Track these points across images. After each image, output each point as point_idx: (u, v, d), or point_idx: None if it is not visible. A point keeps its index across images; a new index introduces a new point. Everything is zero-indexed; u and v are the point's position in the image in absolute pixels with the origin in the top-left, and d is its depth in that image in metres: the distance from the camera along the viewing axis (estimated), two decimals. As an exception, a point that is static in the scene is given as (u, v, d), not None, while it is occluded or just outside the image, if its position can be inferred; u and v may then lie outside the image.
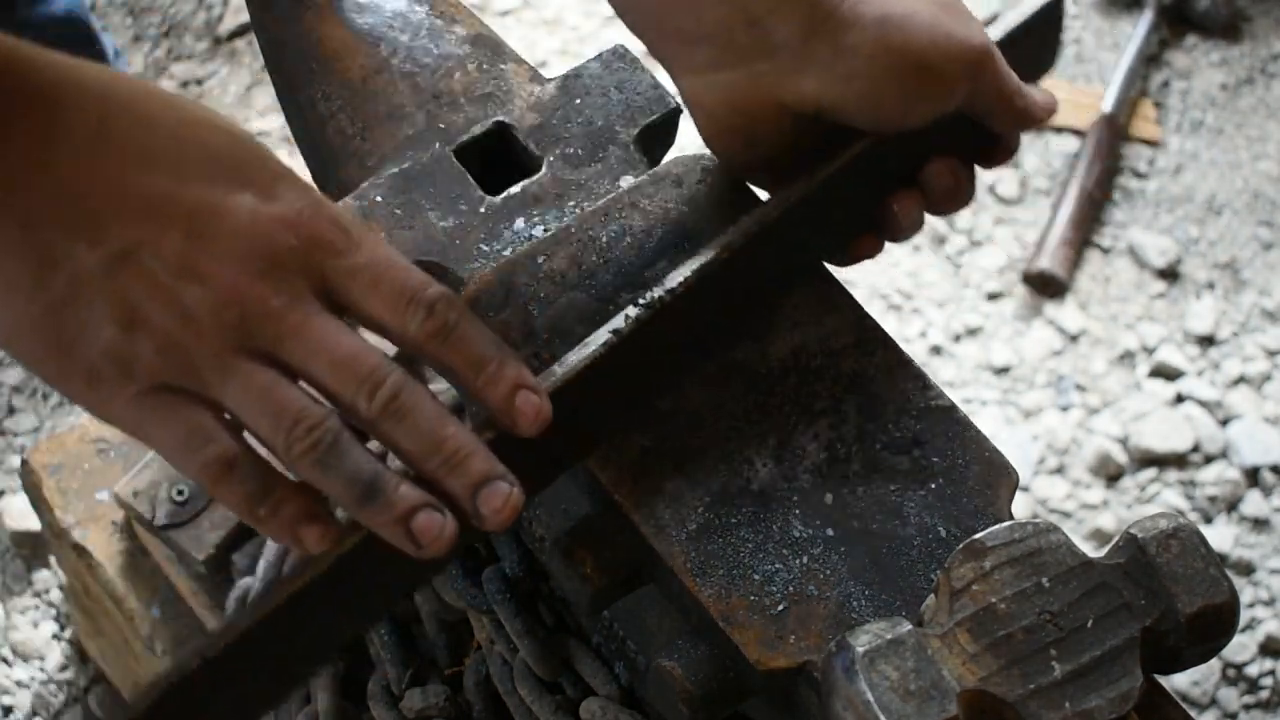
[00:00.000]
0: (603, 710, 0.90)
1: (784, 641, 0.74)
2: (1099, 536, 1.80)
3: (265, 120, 2.11)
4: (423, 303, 0.68)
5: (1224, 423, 1.90)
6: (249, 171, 0.67)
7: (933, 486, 0.79)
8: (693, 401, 0.80)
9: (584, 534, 0.78)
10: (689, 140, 0.83)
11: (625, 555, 0.78)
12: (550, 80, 0.93)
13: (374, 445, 0.69)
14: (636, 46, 0.88)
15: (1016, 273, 2.03)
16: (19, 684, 1.64)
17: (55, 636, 1.67)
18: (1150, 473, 1.86)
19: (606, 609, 0.82)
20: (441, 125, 0.91)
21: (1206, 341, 1.98)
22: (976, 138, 0.82)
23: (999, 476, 0.80)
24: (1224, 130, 2.19)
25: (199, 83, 2.16)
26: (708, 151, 0.85)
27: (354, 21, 0.94)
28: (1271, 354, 1.97)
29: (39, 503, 1.37)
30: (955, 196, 0.83)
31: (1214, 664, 1.72)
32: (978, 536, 0.73)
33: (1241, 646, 1.74)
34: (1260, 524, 1.84)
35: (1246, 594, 1.78)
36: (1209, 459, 1.87)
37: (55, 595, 1.69)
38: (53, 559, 1.68)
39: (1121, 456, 1.87)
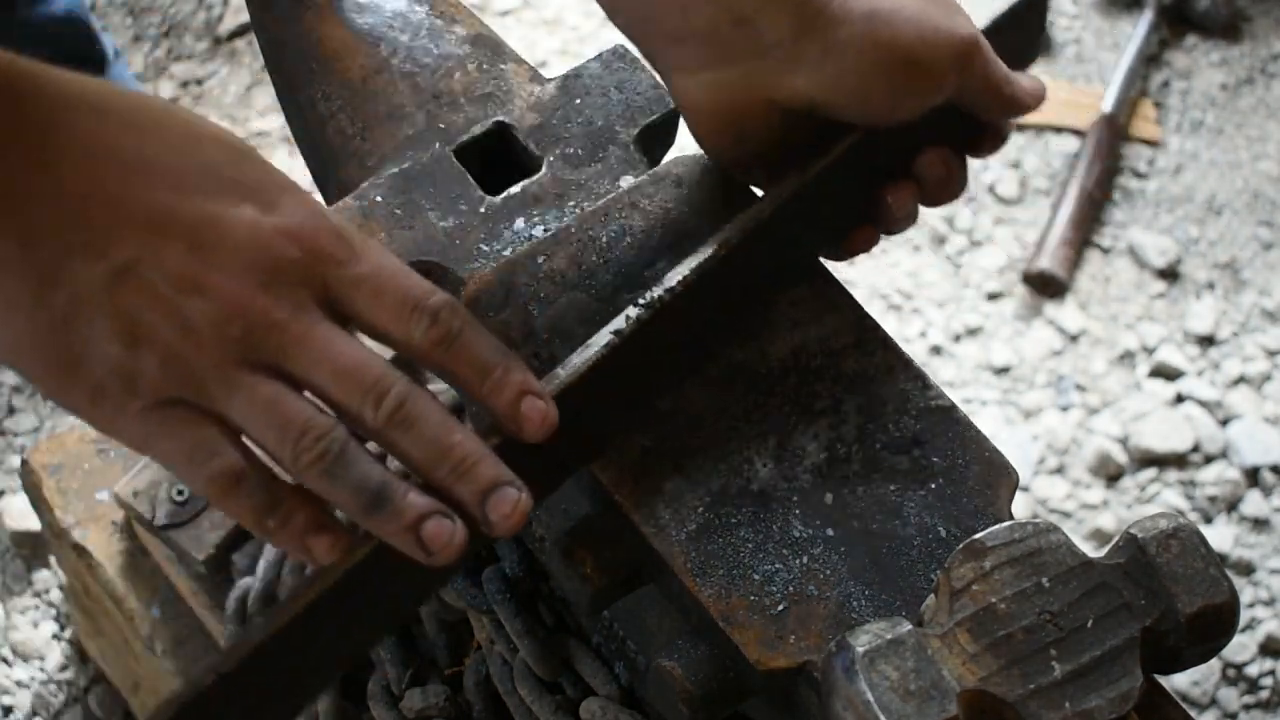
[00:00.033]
0: (603, 710, 0.90)
1: (784, 641, 0.74)
2: (1099, 536, 1.80)
3: (265, 120, 2.11)
4: (426, 311, 0.68)
5: (1224, 423, 1.90)
6: (249, 183, 0.67)
7: (933, 486, 0.79)
8: (693, 402, 0.80)
9: (584, 534, 0.78)
10: (689, 140, 0.83)
11: (625, 555, 0.78)
12: (550, 80, 0.93)
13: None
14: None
15: (1016, 273, 2.03)
16: (19, 684, 1.64)
17: (55, 636, 1.67)
18: (1150, 473, 1.86)
19: (606, 609, 0.82)
20: (441, 125, 0.91)
21: (1206, 341, 1.98)
22: (967, 127, 0.82)
23: (999, 476, 0.80)
24: (1224, 130, 2.19)
25: (199, 83, 2.16)
26: (707, 151, 0.85)
27: (354, 21, 0.94)
28: (1271, 354, 1.97)
29: (39, 503, 1.37)
30: (948, 186, 0.83)
31: (1214, 664, 1.72)
32: (978, 536, 0.73)
33: (1241, 646, 1.74)
34: (1260, 524, 1.84)
35: (1246, 594, 1.78)
36: (1209, 459, 1.87)
37: (55, 595, 1.69)
38: (53, 559, 1.68)
39: (1121, 456, 1.87)
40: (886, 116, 0.78)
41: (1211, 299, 2.02)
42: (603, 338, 0.74)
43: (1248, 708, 1.71)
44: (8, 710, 1.62)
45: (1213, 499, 1.84)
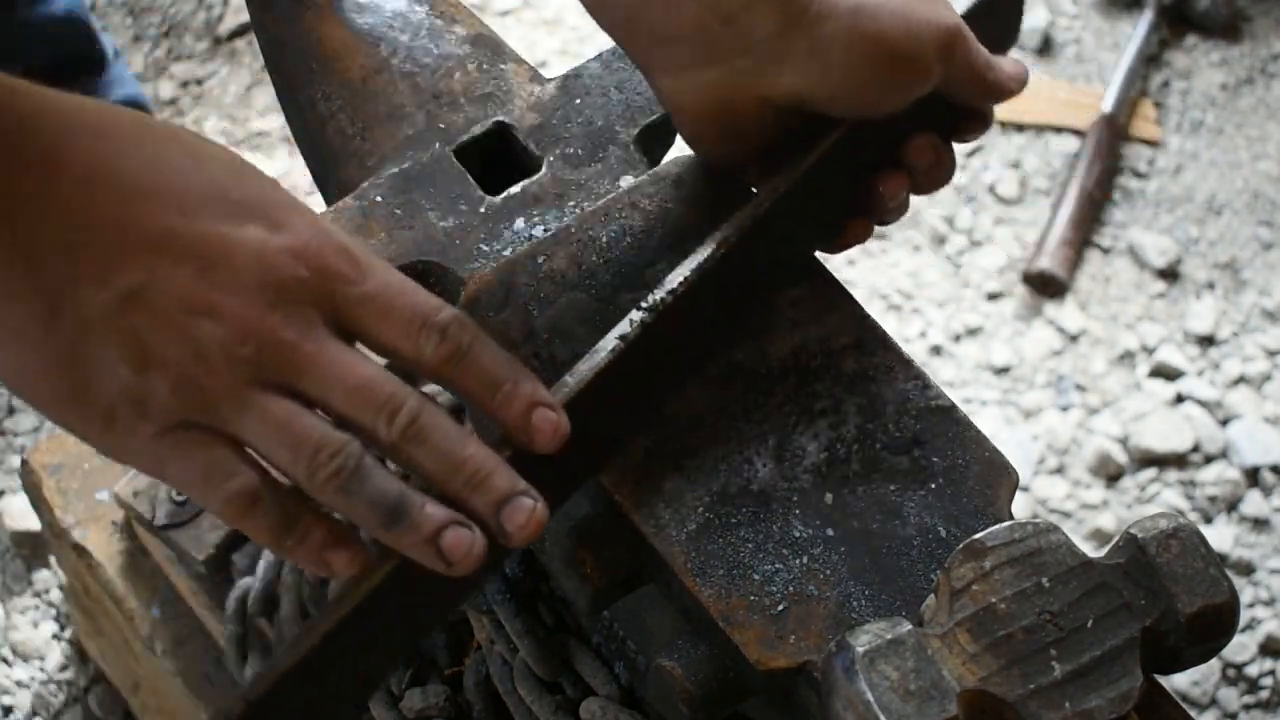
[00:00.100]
0: (603, 710, 0.90)
1: (784, 641, 0.74)
2: (1099, 536, 1.80)
3: (265, 120, 2.11)
4: (435, 327, 0.68)
5: (1224, 423, 1.90)
6: (254, 202, 0.67)
7: (933, 486, 0.79)
8: (693, 402, 0.80)
9: (584, 534, 0.78)
10: (689, 140, 0.83)
11: (625, 555, 0.78)
12: (550, 80, 0.93)
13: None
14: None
15: (1016, 273, 2.03)
16: (19, 684, 1.64)
17: (55, 636, 1.67)
18: (1150, 473, 1.86)
19: (606, 609, 0.82)
20: (441, 125, 0.91)
21: (1206, 341, 1.98)
22: (951, 113, 0.83)
23: (999, 476, 0.80)
24: (1224, 130, 2.19)
25: (199, 83, 2.16)
26: (707, 151, 0.85)
27: (354, 21, 0.94)
28: (1271, 354, 1.97)
29: (39, 503, 1.37)
30: (937, 172, 0.83)
31: (1214, 664, 1.72)
32: (978, 536, 0.73)
33: (1241, 646, 1.73)
34: (1260, 524, 1.83)
35: (1246, 594, 1.78)
36: (1209, 459, 1.87)
37: (55, 595, 1.69)
38: (53, 559, 1.68)
39: (1121, 456, 1.87)
40: (875, 109, 0.79)
41: (1211, 299, 2.02)
42: (609, 343, 0.74)
43: (1248, 708, 1.71)
44: (8, 710, 1.62)
45: (1213, 499, 1.84)
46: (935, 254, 2.05)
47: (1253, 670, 1.73)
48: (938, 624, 0.71)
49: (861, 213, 0.84)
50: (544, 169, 0.89)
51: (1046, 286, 2.01)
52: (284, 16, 0.95)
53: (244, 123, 2.11)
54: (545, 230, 0.86)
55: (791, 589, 0.75)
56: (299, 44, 0.94)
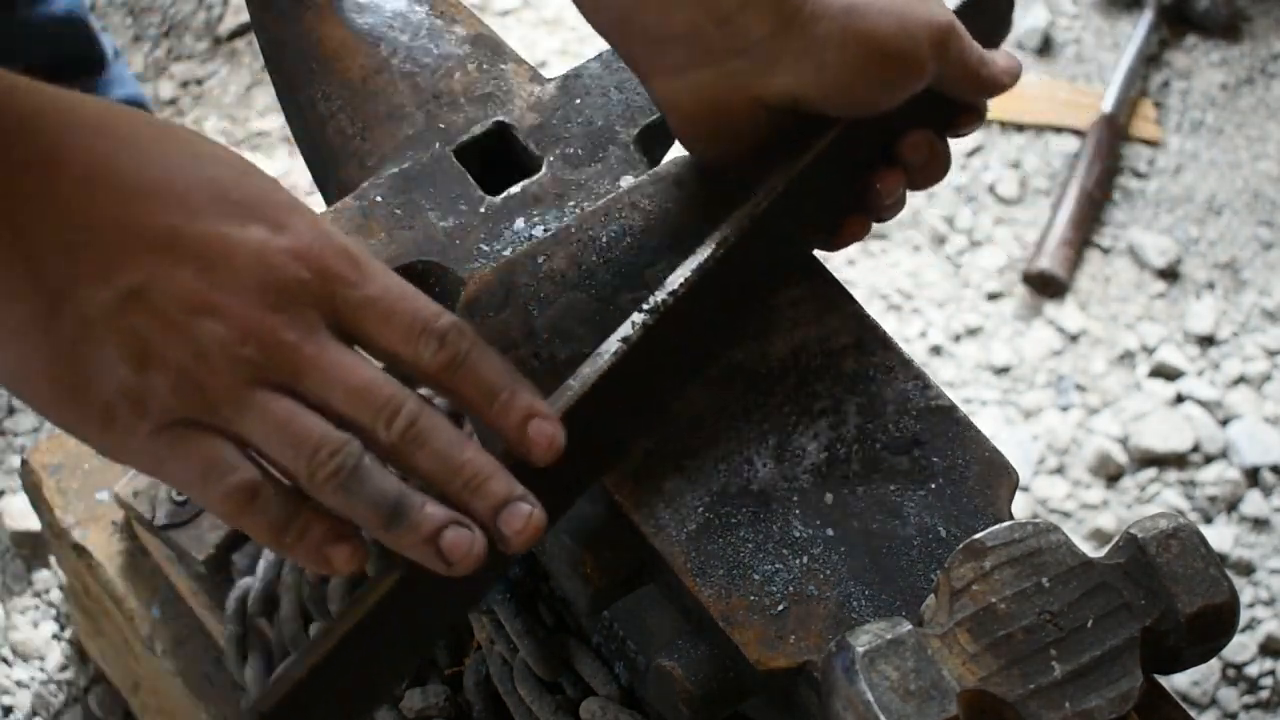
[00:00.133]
0: (603, 710, 0.90)
1: (784, 641, 0.74)
2: (1099, 536, 1.80)
3: (265, 120, 2.11)
4: (434, 333, 0.68)
5: (1224, 423, 1.90)
6: (257, 204, 0.67)
7: (933, 486, 0.79)
8: (693, 402, 0.80)
9: (584, 534, 0.78)
10: (689, 140, 0.83)
11: (625, 555, 0.78)
12: (550, 80, 0.93)
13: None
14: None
15: (1016, 273, 2.03)
16: (19, 684, 1.64)
17: (55, 636, 1.67)
18: (1150, 473, 1.86)
19: (606, 609, 0.82)
20: (441, 125, 0.91)
21: (1206, 341, 1.98)
22: (946, 107, 0.83)
23: (999, 476, 0.80)
24: (1224, 130, 2.19)
25: (199, 83, 2.16)
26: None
27: (354, 21, 0.94)
28: (1271, 354, 1.97)
29: (39, 503, 1.37)
30: (933, 167, 0.83)
31: (1214, 664, 1.72)
32: (978, 536, 0.73)
33: (1241, 646, 1.73)
34: (1260, 524, 1.83)
35: (1246, 594, 1.78)
36: (1209, 459, 1.87)
37: (55, 595, 1.69)
38: (53, 559, 1.68)
39: (1121, 456, 1.87)
40: (870, 107, 0.79)
41: (1211, 299, 2.02)
42: (611, 345, 0.74)
43: (1248, 708, 1.71)
44: (8, 710, 1.62)
45: (1213, 499, 1.84)
46: (935, 254, 2.05)
47: (1253, 670, 1.73)
48: (938, 624, 0.71)
49: (859, 210, 0.84)
50: (544, 169, 0.89)
51: (1046, 286, 2.01)
52: (284, 16, 0.95)
53: (244, 123, 2.11)
54: (545, 230, 0.86)
55: (791, 589, 0.75)
56: (299, 44, 0.94)
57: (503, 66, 0.94)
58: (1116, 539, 0.75)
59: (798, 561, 0.76)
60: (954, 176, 2.10)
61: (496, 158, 0.91)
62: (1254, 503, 1.85)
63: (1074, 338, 1.98)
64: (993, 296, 2.02)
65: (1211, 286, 2.04)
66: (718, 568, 0.75)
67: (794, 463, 0.79)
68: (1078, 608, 0.72)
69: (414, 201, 0.87)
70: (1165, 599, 0.72)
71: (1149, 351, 1.97)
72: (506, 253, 0.85)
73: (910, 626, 0.69)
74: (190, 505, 1.22)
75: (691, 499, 0.77)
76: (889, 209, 0.84)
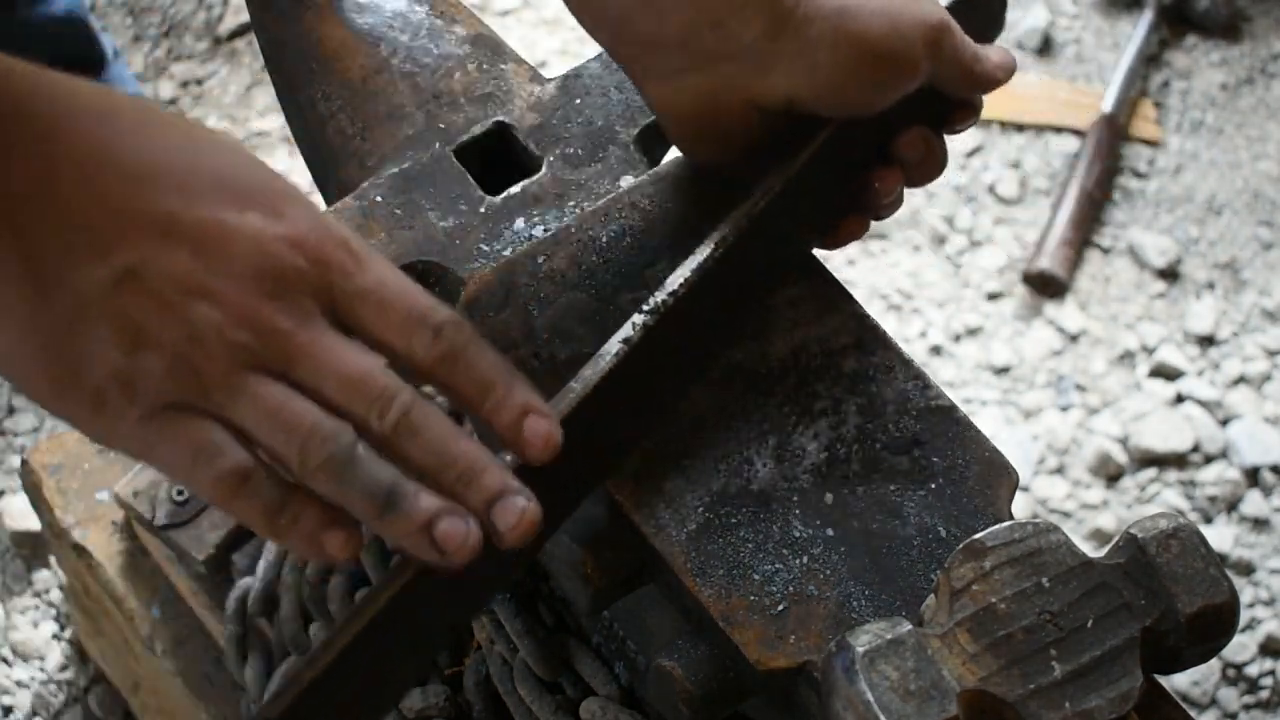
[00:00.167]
0: (603, 710, 0.90)
1: (784, 641, 0.74)
2: (1099, 536, 1.80)
3: (265, 120, 2.11)
4: (430, 326, 0.67)
5: (1224, 423, 1.90)
6: (254, 190, 0.66)
7: (933, 486, 0.79)
8: (693, 403, 0.80)
9: (584, 534, 0.78)
10: (689, 140, 0.83)
11: (625, 555, 0.78)
12: (550, 80, 0.93)
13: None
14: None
15: (1016, 273, 2.03)
16: (19, 684, 1.64)
17: (55, 636, 1.67)
18: (1150, 473, 1.86)
19: (606, 609, 0.82)
20: (441, 125, 0.91)
21: (1206, 341, 1.98)
22: (941, 104, 0.83)
23: (999, 476, 0.80)
24: (1224, 130, 2.19)
25: (199, 83, 2.16)
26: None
27: (354, 21, 0.94)
28: (1271, 354, 1.97)
29: (39, 503, 1.37)
30: (930, 164, 0.83)
31: (1214, 664, 1.72)
32: (978, 536, 0.73)
33: (1241, 646, 1.73)
34: (1260, 524, 1.83)
35: (1246, 594, 1.78)
36: (1209, 459, 1.87)
37: (55, 595, 1.69)
38: (53, 559, 1.68)
39: (1121, 456, 1.87)
40: (864, 108, 0.79)
41: (1211, 299, 2.02)
42: (612, 347, 0.74)
43: (1248, 708, 1.71)
44: (8, 710, 1.62)
45: (1213, 499, 1.84)
46: (935, 254, 2.05)
47: (1253, 670, 1.73)
48: (938, 624, 0.71)
49: (857, 209, 0.84)
50: (544, 169, 0.89)
51: (1046, 286, 2.01)
52: (284, 16, 0.95)
53: (244, 123, 2.11)
54: (545, 230, 0.86)
55: (791, 589, 0.75)
56: (299, 44, 0.94)
57: (503, 66, 0.94)
58: (1116, 539, 0.75)
59: (798, 561, 0.76)
60: (954, 176, 2.10)
61: (496, 158, 0.91)
62: (1254, 503, 1.85)
63: (1074, 338, 1.98)
64: (993, 296, 2.02)
65: (1211, 286, 2.04)
66: (718, 568, 0.75)
67: (794, 463, 0.79)
68: (1078, 608, 0.72)
69: (414, 201, 0.87)
70: (1165, 599, 0.72)
71: (1149, 351, 1.97)
72: (506, 253, 0.85)
73: (910, 626, 0.69)
74: (190, 505, 1.22)
75: (691, 499, 0.77)
76: (887, 207, 0.84)
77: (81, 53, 1.77)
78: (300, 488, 0.65)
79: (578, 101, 0.92)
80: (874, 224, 0.87)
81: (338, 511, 0.66)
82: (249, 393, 0.64)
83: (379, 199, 0.87)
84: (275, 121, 2.09)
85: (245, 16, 1.82)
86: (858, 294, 0.84)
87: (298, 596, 1.11)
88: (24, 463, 1.36)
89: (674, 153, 0.90)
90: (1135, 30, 2.24)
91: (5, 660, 1.66)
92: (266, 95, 2.12)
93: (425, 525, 0.65)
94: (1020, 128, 2.17)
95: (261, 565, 1.15)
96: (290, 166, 1.99)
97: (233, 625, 1.17)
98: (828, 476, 0.79)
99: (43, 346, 0.63)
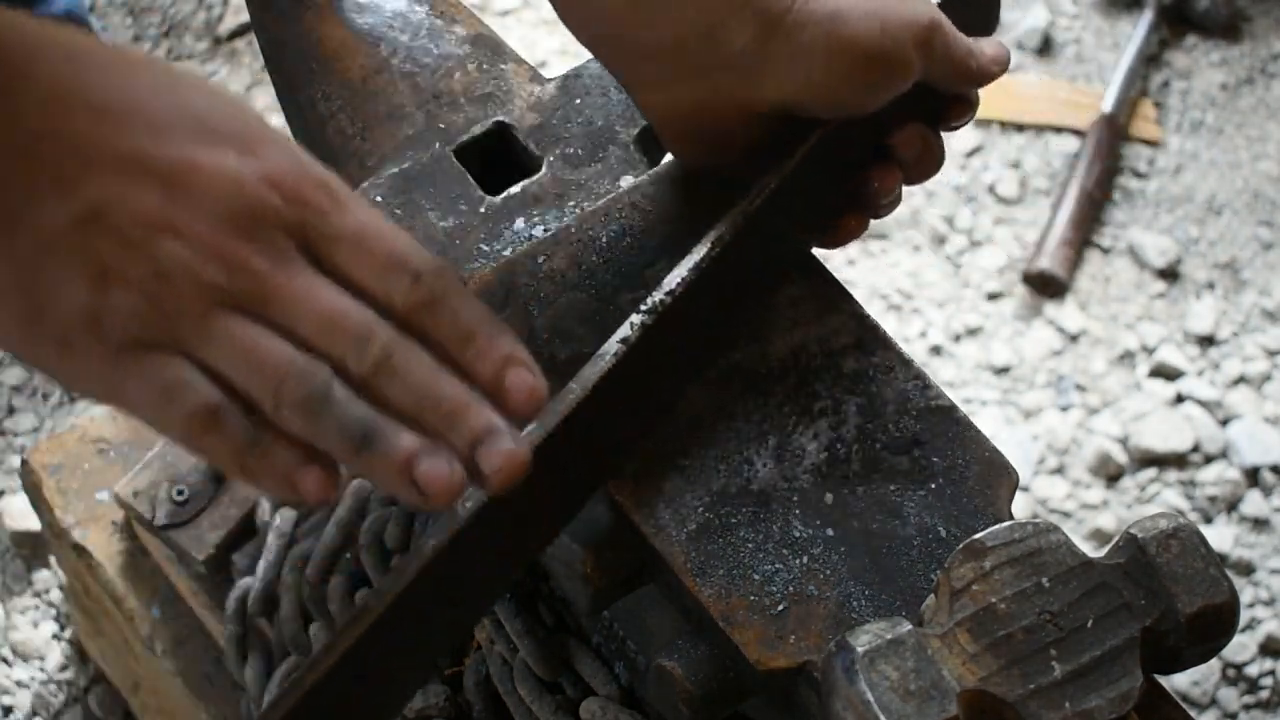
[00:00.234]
0: (603, 710, 0.90)
1: (784, 641, 0.74)
2: (1099, 536, 1.80)
3: (265, 120, 2.10)
4: (409, 270, 0.64)
5: (1224, 423, 1.90)
6: (230, 130, 0.64)
7: (933, 486, 0.79)
8: (693, 402, 0.80)
9: (584, 534, 0.78)
10: (689, 140, 0.83)
11: (625, 555, 0.78)
12: (550, 80, 0.93)
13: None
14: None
15: (1016, 273, 2.03)
16: (19, 684, 1.64)
17: (55, 636, 1.67)
18: (1150, 473, 1.86)
19: (606, 609, 0.82)
20: (441, 125, 0.91)
21: (1206, 341, 1.98)
22: (937, 100, 0.83)
23: (999, 476, 0.80)
24: (1224, 130, 2.19)
25: (199, 83, 2.16)
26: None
27: (354, 21, 0.94)
28: (1271, 354, 1.97)
29: (39, 503, 1.37)
30: (928, 161, 0.83)
31: (1214, 664, 1.72)
32: (978, 536, 0.73)
33: (1241, 646, 1.73)
34: (1260, 524, 1.83)
35: (1246, 594, 1.78)
36: (1209, 459, 1.87)
37: (55, 595, 1.69)
38: (53, 559, 1.68)
39: (1121, 456, 1.87)
40: (859, 109, 0.79)
41: (1211, 299, 2.02)
42: (611, 347, 0.74)
43: (1248, 708, 1.71)
44: (8, 710, 1.62)
45: (1213, 499, 1.84)
46: (935, 254, 2.05)
47: (1253, 670, 1.73)
48: (938, 624, 0.71)
49: (855, 208, 0.84)
50: (544, 169, 0.89)
51: (1046, 286, 2.01)
52: (284, 16, 0.95)
53: (244, 123, 2.11)
54: (545, 230, 0.86)
55: (791, 589, 0.75)
56: (299, 44, 0.94)
57: (503, 66, 0.94)
58: (1116, 539, 0.75)
59: (798, 561, 0.76)
60: (954, 176, 2.10)
61: (496, 158, 0.91)
62: (1254, 503, 1.85)
63: (1074, 338, 1.98)
64: (993, 296, 2.02)
65: (1211, 286, 2.04)
66: (718, 568, 0.75)
67: (794, 463, 0.79)
68: (1078, 608, 0.72)
69: (414, 201, 0.87)
70: (1165, 599, 0.72)
71: (1149, 351, 1.97)
72: (506, 253, 0.85)
73: (910, 626, 0.69)
74: (190, 505, 1.22)
75: (691, 499, 0.77)
76: (885, 206, 0.84)
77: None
78: (273, 427, 0.62)
79: (578, 101, 0.92)
80: (874, 224, 0.87)
81: (313, 449, 0.63)
82: (220, 331, 0.62)
83: (379, 199, 0.87)
84: (275, 121, 2.08)
85: (245, 16, 1.82)
86: (858, 294, 0.84)
87: (298, 596, 1.11)
88: (24, 463, 1.36)
89: (674, 153, 0.90)
90: (1135, 30, 2.24)
91: (5, 660, 1.66)
92: (266, 95, 2.12)
93: (405, 465, 0.62)
94: (1020, 128, 2.17)
95: (261, 565, 1.15)
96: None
97: (233, 625, 1.17)
98: (828, 476, 0.79)
99: (7, 289, 0.61)
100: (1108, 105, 2.15)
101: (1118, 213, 2.10)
